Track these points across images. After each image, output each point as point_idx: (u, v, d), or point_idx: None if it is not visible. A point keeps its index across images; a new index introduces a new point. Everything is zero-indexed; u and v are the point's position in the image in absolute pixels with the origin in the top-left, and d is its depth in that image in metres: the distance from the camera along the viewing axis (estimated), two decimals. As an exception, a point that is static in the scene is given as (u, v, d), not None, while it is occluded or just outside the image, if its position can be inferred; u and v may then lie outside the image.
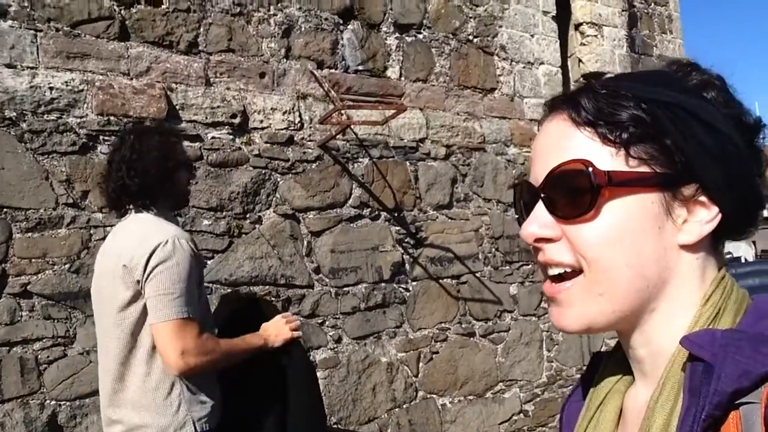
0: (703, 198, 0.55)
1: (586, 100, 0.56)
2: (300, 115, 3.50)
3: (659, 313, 0.56)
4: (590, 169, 0.54)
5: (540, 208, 0.57)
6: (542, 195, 0.57)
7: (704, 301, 0.55)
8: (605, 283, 0.54)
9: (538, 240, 0.57)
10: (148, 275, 1.71)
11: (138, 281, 1.74)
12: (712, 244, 0.57)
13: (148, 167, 1.82)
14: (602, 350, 0.65)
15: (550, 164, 0.57)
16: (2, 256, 2.61)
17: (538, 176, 0.58)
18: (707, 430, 0.47)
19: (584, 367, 4.13)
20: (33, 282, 2.65)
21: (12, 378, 2.56)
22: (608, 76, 0.63)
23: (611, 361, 0.64)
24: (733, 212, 0.56)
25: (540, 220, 0.57)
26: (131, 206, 1.88)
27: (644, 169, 0.54)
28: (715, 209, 0.55)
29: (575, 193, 0.55)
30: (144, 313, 1.76)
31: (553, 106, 0.60)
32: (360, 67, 3.78)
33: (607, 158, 0.55)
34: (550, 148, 0.58)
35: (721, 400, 0.47)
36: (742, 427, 0.47)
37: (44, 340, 2.65)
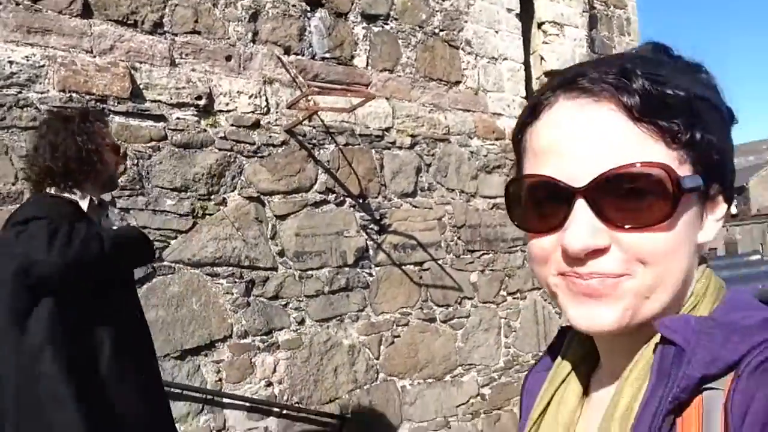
0: (720, 196, 0.53)
1: (640, 89, 0.50)
2: (266, 100, 3.52)
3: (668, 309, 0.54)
4: (672, 176, 0.49)
5: (585, 213, 0.51)
6: (591, 198, 0.50)
7: (690, 293, 0.55)
8: (655, 288, 0.51)
9: (590, 252, 0.51)
10: None
11: None
12: None
13: (71, 150, 1.87)
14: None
15: (600, 162, 0.50)
16: (-43, 230, 2.56)
17: (574, 174, 0.51)
18: (671, 411, 0.49)
19: (540, 354, 4.22)
20: (-10, 258, 2.61)
21: None
22: (621, 54, 0.57)
23: (576, 339, 0.64)
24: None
25: (591, 229, 0.50)
26: (53, 189, 1.89)
27: (694, 171, 0.51)
28: (725, 206, 0.54)
29: (647, 199, 0.49)
30: None
31: (583, 88, 0.52)
32: (327, 55, 3.82)
33: (674, 162, 0.50)
34: (595, 142, 0.50)
35: (689, 384, 0.48)
36: (703, 411, 0.48)
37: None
